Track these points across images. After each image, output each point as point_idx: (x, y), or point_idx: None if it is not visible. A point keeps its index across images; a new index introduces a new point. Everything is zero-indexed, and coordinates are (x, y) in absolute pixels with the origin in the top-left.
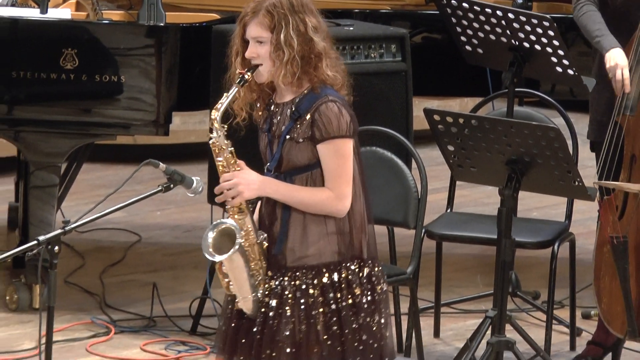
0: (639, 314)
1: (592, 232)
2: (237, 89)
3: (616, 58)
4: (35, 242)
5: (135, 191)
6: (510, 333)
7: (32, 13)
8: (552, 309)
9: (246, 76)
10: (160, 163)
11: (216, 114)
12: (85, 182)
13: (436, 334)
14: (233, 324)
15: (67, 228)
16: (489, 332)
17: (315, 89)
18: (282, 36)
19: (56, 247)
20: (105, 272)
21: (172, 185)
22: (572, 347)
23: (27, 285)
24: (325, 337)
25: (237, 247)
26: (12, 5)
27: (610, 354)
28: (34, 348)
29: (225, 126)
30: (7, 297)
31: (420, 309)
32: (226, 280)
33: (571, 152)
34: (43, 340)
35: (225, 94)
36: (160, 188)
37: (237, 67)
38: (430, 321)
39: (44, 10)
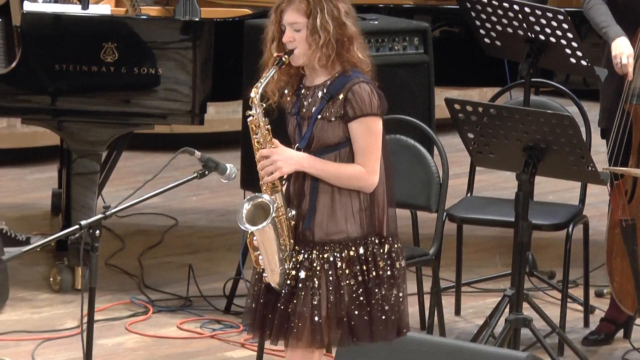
0: None
1: (605, 214)
2: (275, 70)
3: (622, 46)
4: (77, 226)
5: (172, 177)
6: (527, 311)
7: (74, 9)
8: (567, 288)
9: (283, 58)
10: (196, 151)
11: (255, 93)
12: (125, 169)
13: (457, 311)
14: (261, 301)
15: (107, 213)
16: (507, 310)
17: (347, 71)
18: (317, 21)
19: (97, 231)
20: (143, 255)
21: (206, 172)
22: (586, 323)
23: (69, 267)
24: (352, 307)
25: (270, 219)
26: (55, 1)
27: (622, 330)
28: (77, 327)
29: (264, 104)
30: (51, 279)
31: (442, 288)
32: (256, 253)
33: (584, 138)
34: (85, 320)
35: (263, 75)
36: (195, 174)
37: (273, 51)
38: (452, 300)
39: (85, 6)
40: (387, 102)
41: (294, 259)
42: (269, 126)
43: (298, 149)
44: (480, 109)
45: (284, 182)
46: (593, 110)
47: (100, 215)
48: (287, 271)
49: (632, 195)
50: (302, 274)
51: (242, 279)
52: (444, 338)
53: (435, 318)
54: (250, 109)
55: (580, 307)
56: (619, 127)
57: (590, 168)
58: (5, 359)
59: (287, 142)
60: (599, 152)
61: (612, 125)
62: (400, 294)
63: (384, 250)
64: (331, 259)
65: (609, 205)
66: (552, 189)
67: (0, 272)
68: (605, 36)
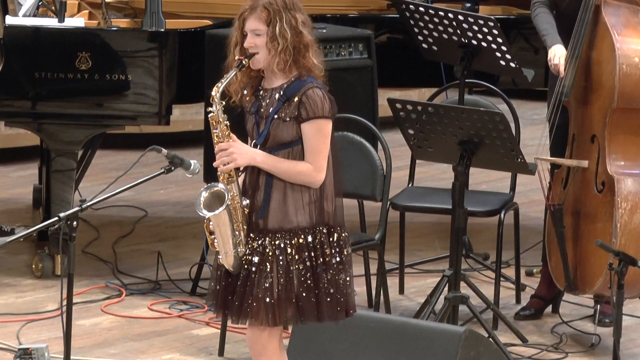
0: (574, 272)
1: (534, 201)
2: (235, 71)
3: (556, 51)
4: (56, 218)
5: (142, 173)
6: (464, 289)
7: (51, 22)
8: (499, 268)
9: (244, 61)
10: (163, 149)
11: (216, 91)
12: (99, 166)
13: (401, 291)
14: (223, 283)
15: (83, 206)
16: (446, 288)
17: (302, 76)
18: (277, 29)
19: (74, 222)
20: (117, 243)
21: (173, 168)
22: (518, 300)
23: (50, 255)
24: (300, 289)
25: (224, 206)
26: (34, 15)
27: (550, 305)
28: (57, 309)
29: (224, 102)
30: (33, 266)
31: (387, 270)
32: (212, 236)
33: (514, 133)
34: (64, 302)
35: (225, 75)
36: (162, 170)
37: (235, 55)
38: (396, 280)
39: (61, 19)
40: (336, 106)
41: (249, 245)
42: (227, 122)
43: (255, 145)
44: (419, 108)
45: (239, 173)
46: (522, 107)
47: (77, 208)
48: (242, 256)
49: (566, 183)
50: (256, 259)
51: (206, 264)
52: (390, 315)
53: (381, 297)
54: (211, 106)
55: (512, 286)
56: (553, 121)
57: (519, 160)
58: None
59: (246, 138)
60: (528, 145)
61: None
62: (348, 279)
63: (332, 239)
64: (282, 245)
65: (549, 192)
66: (485, 179)
67: None
68: (544, 43)
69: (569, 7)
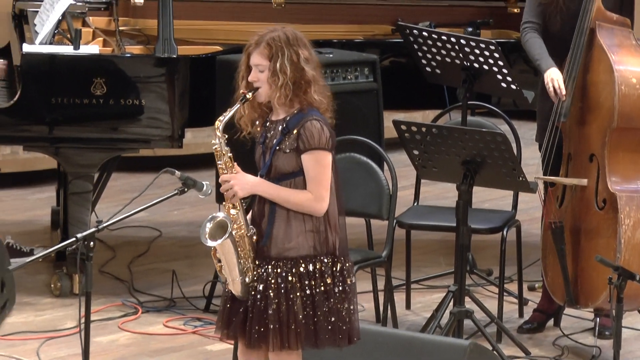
0: (574, 286)
1: (535, 218)
2: (239, 105)
3: (552, 75)
4: (74, 239)
5: (156, 194)
6: (469, 304)
7: (66, 49)
8: (503, 283)
9: (247, 95)
10: (176, 171)
11: (219, 125)
12: (114, 188)
13: (407, 306)
14: (228, 305)
15: (100, 227)
16: (451, 303)
17: (304, 109)
18: (277, 65)
19: (91, 243)
20: (132, 262)
21: (186, 189)
22: (521, 314)
23: (68, 274)
24: (300, 317)
25: (227, 235)
26: (50, 43)
27: (552, 319)
28: (75, 327)
29: (226, 135)
30: (52, 285)
31: (394, 286)
32: (219, 264)
33: (515, 153)
34: (82, 320)
35: (229, 109)
36: (176, 191)
37: (241, 88)
38: (403, 296)
39: (76, 47)
40: (335, 139)
41: (255, 272)
42: (230, 154)
43: (260, 176)
44: (423, 129)
45: (244, 203)
46: (523, 128)
47: (93, 229)
48: (250, 282)
49: (562, 201)
50: (261, 287)
51: (219, 281)
52: (397, 329)
53: (389, 312)
54: (214, 139)
55: (515, 300)
56: (547, 141)
57: (521, 179)
58: (15, 357)
59: (254, 168)
60: (529, 164)
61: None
62: (352, 307)
63: (335, 268)
64: (283, 274)
65: (542, 211)
66: (488, 198)
67: (8, 280)
68: (538, 68)
69: (561, 29)
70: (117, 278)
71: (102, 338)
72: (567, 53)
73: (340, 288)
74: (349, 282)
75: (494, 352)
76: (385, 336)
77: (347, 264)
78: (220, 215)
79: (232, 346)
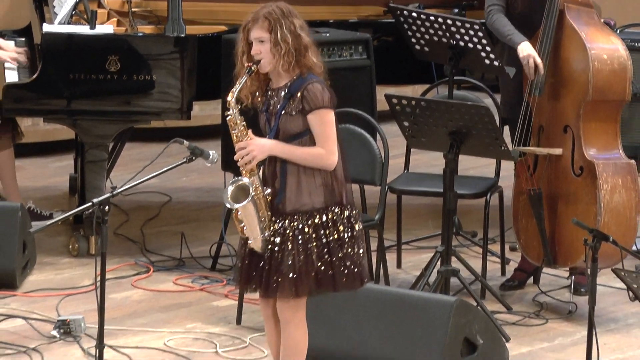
0: (552, 248)
1: None
2: (246, 77)
3: (527, 49)
4: (90, 203)
5: (166, 162)
6: (455, 263)
7: (83, 29)
8: (486, 244)
9: (253, 67)
10: (185, 141)
11: (231, 96)
12: (128, 157)
13: (398, 265)
14: (247, 261)
15: (114, 192)
16: (438, 263)
17: (304, 74)
18: (278, 35)
19: (106, 207)
20: (144, 225)
21: (194, 158)
22: (503, 273)
23: (85, 236)
24: (319, 264)
25: (249, 198)
26: (68, 23)
27: (532, 277)
28: (91, 284)
29: (240, 105)
30: (70, 246)
31: (386, 246)
32: (241, 225)
33: (498, 124)
34: (98, 278)
35: (237, 82)
36: (185, 160)
37: (243, 63)
38: (394, 256)
39: (92, 27)
40: (336, 97)
41: (271, 228)
42: (244, 122)
43: (268, 139)
44: (413, 102)
45: (259, 167)
46: None
47: (108, 194)
48: (267, 238)
49: (534, 169)
50: (278, 240)
51: (225, 243)
52: (389, 287)
53: (381, 271)
54: (228, 110)
55: (498, 260)
56: (524, 114)
57: (503, 148)
58: (36, 312)
59: (261, 135)
60: (508, 135)
61: (511, 115)
62: (360, 251)
63: (344, 216)
64: (300, 226)
65: (514, 178)
66: (473, 165)
67: (29, 242)
68: (510, 42)
69: (523, 9)
70: (130, 240)
71: (117, 295)
72: (530, 32)
73: (350, 234)
74: (357, 228)
75: (478, 307)
76: (378, 293)
77: (354, 211)
78: (242, 179)
79: (236, 302)
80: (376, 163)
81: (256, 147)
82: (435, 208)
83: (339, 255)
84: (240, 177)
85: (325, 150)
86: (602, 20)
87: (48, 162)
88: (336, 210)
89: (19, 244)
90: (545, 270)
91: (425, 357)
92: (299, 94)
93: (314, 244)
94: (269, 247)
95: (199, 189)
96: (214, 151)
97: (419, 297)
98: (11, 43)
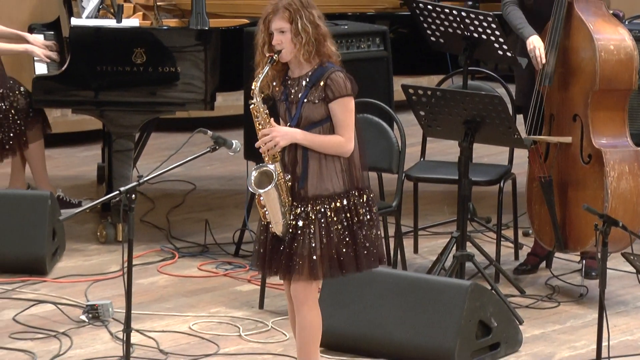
0: (563, 233)
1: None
2: (269, 66)
3: (535, 42)
4: (118, 192)
5: (191, 152)
6: (470, 248)
7: (110, 23)
8: (500, 230)
9: (274, 57)
10: (208, 130)
11: (255, 85)
12: (153, 147)
13: (415, 250)
14: (269, 247)
15: (141, 181)
16: (454, 248)
17: (324, 63)
18: (299, 25)
19: (133, 195)
20: (170, 212)
21: (217, 147)
22: (516, 257)
23: (112, 224)
24: (341, 246)
25: (273, 183)
26: (95, 17)
27: (544, 262)
28: (119, 270)
29: (263, 94)
30: (98, 233)
31: (403, 232)
32: (263, 209)
33: (511, 113)
34: (125, 264)
35: (259, 71)
36: (208, 149)
37: (264, 53)
38: (411, 241)
39: (119, 20)
40: (357, 85)
41: (293, 212)
42: (267, 111)
43: (290, 127)
44: (429, 92)
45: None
46: None
47: (135, 183)
48: (289, 222)
49: (546, 156)
50: (300, 223)
51: (248, 229)
52: (406, 271)
53: (399, 256)
54: (252, 99)
55: (511, 245)
56: (535, 103)
57: (516, 136)
58: (65, 297)
59: (279, 124)
60: (522, 123)
61: (525, 103)
62: (379, 232)
63: (363, 200)
64: (322, 210)
65: (527, 165)
66: (487, 153)
67: (59, 229)
68: (521, 35)
69: (535, 5)
70: (156, 227)
71: (143, 280)
72: (541, 24)
73: (369, 217)
74: (374, 210)
75: (493, 291)
76: (396, 277)
77: (371, 195)
78: (267, 165)
79: (259, 286)
80: (393, 151)
81: (279, 134)
82: (450, 195)
83: (360, 237)
84: (263, 164)
85: (345, 137)
86: (611, 11)
87: (76, 152)
88: (355, 194)
89: (48, 231)
90: (557, 254)
91: (441, 339)
92: (321, 83)
93: (337, 227)
94: (291, 230)
95: (222, 177)
96: (237, 141)
97: (435, 281)
98: (40, 37)
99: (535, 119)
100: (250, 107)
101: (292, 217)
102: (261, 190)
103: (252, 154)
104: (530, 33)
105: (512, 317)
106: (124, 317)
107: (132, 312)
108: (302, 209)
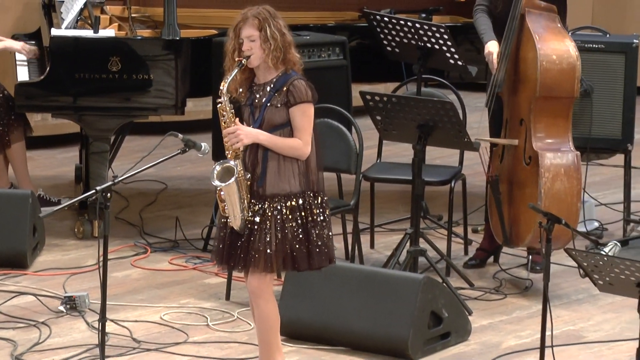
0: (509, 229)
1: (478, 173)
2: (237, 70)
3: (490, 47)
4: (94, 191)
5: (162, 153)
6: (422, 244)
7: (87, 33)
8: (451, 227)
9: (243, 61)
10: (179, 134)
11: (223, 85)
12: (128, 149)
13: (372, 246)
14: (227, 242)
15: (116, 180)
16: (408, 244)
17: (288, 70)
18: (268, 32)
19: (108, 194)
20: (143, 210)
21: (187, 149)
22: (466, 252)
23: (89, 220)
24: (294, 242)
25: (234, 177)
26: (74, 27)
27: (492, 256)
28: (95, 264)
29: (230, 94)
30: (76, 229)
31: (360, 229)
32: (222, 204)
33: (461, 118)
34: (101, 259)
35: (228, 74)
36: (179, 151)
37: (234, 58)
38: (368, 237)
39: (96, 31)
40: (317, 93)
41: (251, 210)
42: (232, 110)
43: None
44: (385, 98)
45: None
46: (468, 97)
47: (110, 182)
48: (247, 218)
49: (502, 158)
50: (257, 219)
51: (215, 226)
52: (363, 265)
53: (356, 251)
54: (220, 98)
55: (461, 241)
56: (491, 107)
57: (466, 140)
58: (45, 290)
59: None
60: (472, 127)
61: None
62: (330, 234)
63: (317, 201)
64: (278, 207)
65: (488, 167)
66: (439, 155)
67: (39, 225)
68: (482, 40)
69: (501, 13)
70: (130, 223)
71: (118, 273)
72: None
73: (322, 217)
74: (327, 212)
75: (444, 284)
76: (354, 271)
77: (325, 198)
78: (229, 161)
79: (226, 280)
80: (351, 153)
81: (243, 132)
82: (405, 194)
83: (313, 236)
84: (226, 159)
85: (302, 141)
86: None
87: (56, 154)
88: (311, 195)
89: (29, 227)
90: (504, 249)
91: (396, 329)
92: (284, 89)
93: (291, 224)
94: (248, 226)
95: (192, 177)
96: (206, 143)
97: (390, 274)
98: (21, 43)
99: (491, 121)
100: (218, 105)
101: (250, 214)
102: (223, 184)
103: (220, 156)
104: (490, 38)
105: (462, 309)
106: (99, 307)
107: (107, 303)
108: (260, 206)
